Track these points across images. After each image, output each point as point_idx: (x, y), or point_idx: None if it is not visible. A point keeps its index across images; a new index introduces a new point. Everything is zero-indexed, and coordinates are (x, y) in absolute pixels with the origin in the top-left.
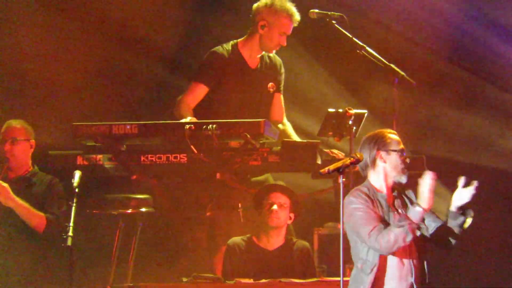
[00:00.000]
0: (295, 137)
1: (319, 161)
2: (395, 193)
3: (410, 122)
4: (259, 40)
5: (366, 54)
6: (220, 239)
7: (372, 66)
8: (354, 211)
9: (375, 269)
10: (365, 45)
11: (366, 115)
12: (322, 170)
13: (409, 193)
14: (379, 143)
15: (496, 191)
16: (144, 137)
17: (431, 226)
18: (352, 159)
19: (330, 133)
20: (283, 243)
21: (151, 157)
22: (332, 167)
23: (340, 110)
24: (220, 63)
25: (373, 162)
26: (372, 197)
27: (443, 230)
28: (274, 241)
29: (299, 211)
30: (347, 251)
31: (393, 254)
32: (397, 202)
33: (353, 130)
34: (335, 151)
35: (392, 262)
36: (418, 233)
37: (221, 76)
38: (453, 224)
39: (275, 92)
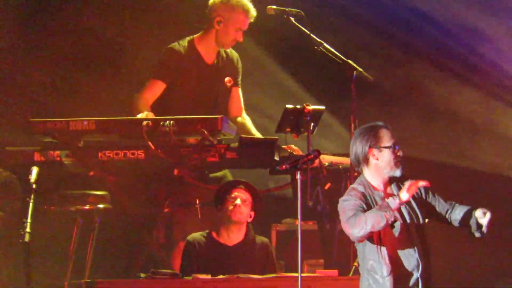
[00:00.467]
0: (254, 132)
1: (276, 158)
2: (391, 189)
3: (370, 119)
4: (215, 35)
5: (324, 50)
6: (177, 235)
7: (330, 62)
8: (344, 204)
9: (390, 269)
10: (322, 41)
11: (324, 111)
12: (279, 167)
13: (407, 184)
14: (371, 140)
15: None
16: (102, 133)
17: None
18: (310, 155)
19: (288, 129)
20: (243, 239)
21: (108, 153)
22: (289, 163)
23: (298, 107)
24: (177, 59)
25: (366, 160)
26: (368, 196)
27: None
28: (234, 236)
29: (259, 209)
30: (305, 247)
31: (399, 249)
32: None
33: (311, 127)
34: (293, 147)
35: (399, 258)
36: (391, 219)
37: (177, 73)
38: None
39: (232, 87)
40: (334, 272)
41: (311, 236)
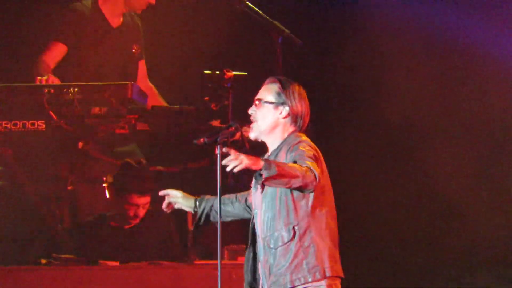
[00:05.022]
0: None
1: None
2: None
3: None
4: None
5: (247, 10)
6: (83, 216)
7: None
8: None
9: None
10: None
11: (246, 77)
12: (197, 140)
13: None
14: None
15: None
16: None
17: None
18: (231, 127)
19: (206, 98)
20: (142, 217)
21: (5, 123)
22: (208, 136)
23: (217, 72)
24: (79, 20)
25: None
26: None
27: None
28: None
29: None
30: (226, 231)
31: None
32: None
33: (232, 95)
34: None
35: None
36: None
37: (80, 35)
38: None
39: (138, 60)
40: None
41: (233, 224)
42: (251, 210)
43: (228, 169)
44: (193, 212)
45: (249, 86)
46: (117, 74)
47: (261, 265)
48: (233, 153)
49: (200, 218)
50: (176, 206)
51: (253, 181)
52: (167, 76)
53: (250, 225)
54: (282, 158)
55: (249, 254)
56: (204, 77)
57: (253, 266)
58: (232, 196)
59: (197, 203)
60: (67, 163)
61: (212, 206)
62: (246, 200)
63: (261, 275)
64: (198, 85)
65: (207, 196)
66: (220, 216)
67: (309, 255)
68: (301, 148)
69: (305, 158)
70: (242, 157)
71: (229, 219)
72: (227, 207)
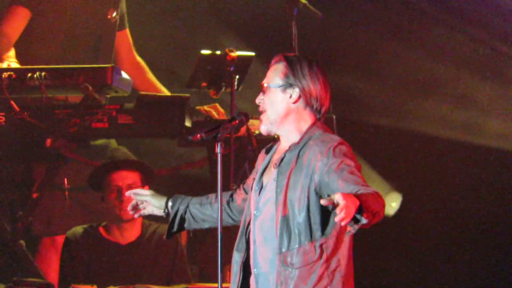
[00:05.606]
0: (159, 86)
1: (188, 123)
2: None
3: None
4: None
5: None
6: (39, 228)
7: None
8: None
9: None
10: None
11: (253, 59)
12: (192, 136)
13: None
14: None
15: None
16: None
17: None
18: (234, 120)
19: (204, 83)
20: (140, 234)
21: None
22: (206, 131)
23: (218, 52)
24: None
25: None
26: (269, 152)
27: None
28: (128, 232)
29: (153, 181)
30: (228, 248)
31: None
32: (281, 158)
33: (236, 80)
34: (211, 108)
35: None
36: None
37: None
38: None
39: (119, 30)
40: None
41: (236, 232)
42: (235, 214)
43: (337, 219)
44: (164, 215)
45: (258, 70)
46: (91, 49)
47: (259, 281)
48: (342, 200)
49: (173, 223)
50: (145, 211)
51: (256, 178)
52: (157, 56)
53: (244, 230)
54: (314, 159)
55: (237, 265)
56: (201, 58)
57: (243, 280)
58: (211, 196)
59: (170, 203)
60: (31, 165)
61: (187, 207)
62: (228, 202)
63: None
64: (194, 68)
65: (182, 195)
66: (221, 228)
67: (334, 281)
68: (346, 160)
69: (358, 176)
70: (350, 204)
71: (207, 225)
72: (205, 210)
